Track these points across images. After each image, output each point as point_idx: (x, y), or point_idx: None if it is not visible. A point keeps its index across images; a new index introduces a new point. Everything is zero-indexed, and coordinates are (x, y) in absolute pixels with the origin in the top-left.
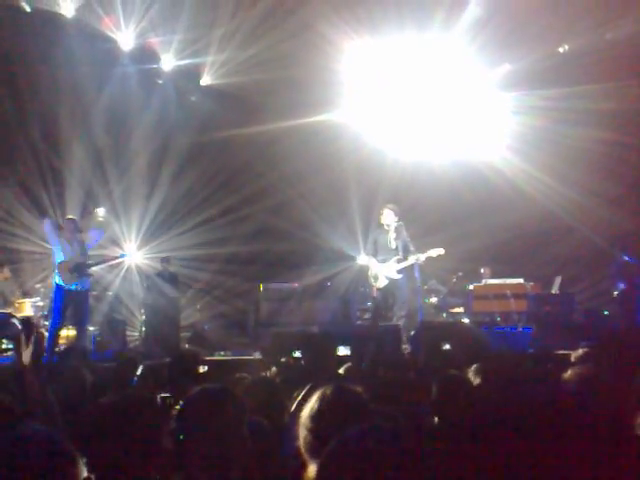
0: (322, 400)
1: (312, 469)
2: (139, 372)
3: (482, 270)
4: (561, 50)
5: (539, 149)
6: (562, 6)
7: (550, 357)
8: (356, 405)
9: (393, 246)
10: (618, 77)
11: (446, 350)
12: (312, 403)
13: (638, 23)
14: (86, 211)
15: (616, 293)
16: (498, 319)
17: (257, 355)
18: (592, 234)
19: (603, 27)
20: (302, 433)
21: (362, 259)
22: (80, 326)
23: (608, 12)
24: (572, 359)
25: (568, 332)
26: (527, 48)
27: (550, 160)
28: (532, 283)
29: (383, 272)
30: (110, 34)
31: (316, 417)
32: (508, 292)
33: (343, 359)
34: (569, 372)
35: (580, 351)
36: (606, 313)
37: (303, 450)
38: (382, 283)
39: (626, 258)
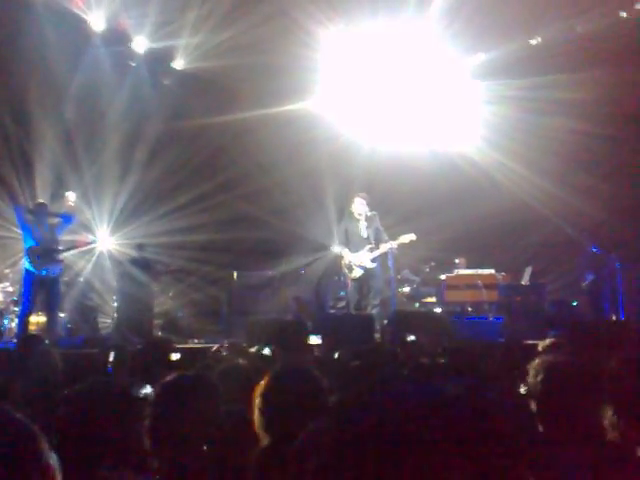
0: (272, 379)
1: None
2: (111, 359)
3: (457, 260)
4: (534, 42)
5: (512, 139)
6: None
7: (519, 347)
8: (309, 385)
9: (364, 235)
10: (588, 68)
11: (415, 339)
12: (263, 383)
13: (607, 16)
14: (57, 195)
15: (585, 284)
16: (469, 309)
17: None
18: (563, 224)
19: (574, 19)
20: (255, 412)
21: (336, 248)
22: (51, 312)
23: (579, 5)
24: (540, 349)
25: (538, 322)
26: (500, 38)
27: (522, 150)
28: (503, 273)
29: (357, 262)
30: (81, 14)
31: (266, 396)
32: (479, 282)
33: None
34: (536, 361)
35: (547, 341)
36: (575, 304)
37: (257, 428)
38: (357, 273)
39: (594, 249)
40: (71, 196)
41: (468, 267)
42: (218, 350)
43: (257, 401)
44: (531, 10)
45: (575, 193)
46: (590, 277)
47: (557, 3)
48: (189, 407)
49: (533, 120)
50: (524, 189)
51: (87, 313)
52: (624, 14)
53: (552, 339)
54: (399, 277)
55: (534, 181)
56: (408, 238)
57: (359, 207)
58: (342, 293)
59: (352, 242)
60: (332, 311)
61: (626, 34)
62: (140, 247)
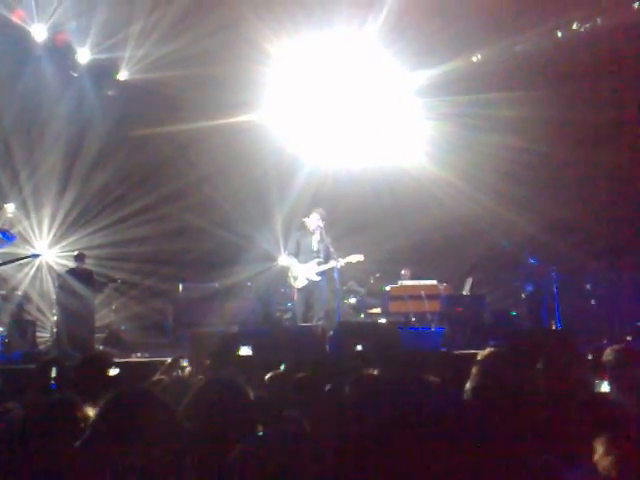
0: (195, 391)
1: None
2: (53, 374)
3: (403, 272)
4: (474, 59)
5: (452, 154)
6: (476, 17)
7: (459, 356)
8: (234, 398)
9: (315, 248)
10: (524, 87)
11: (361, 350)
12: (188, 397)
13: (545, 36)
14: None
15: (524, 295)
16: (413, 319)
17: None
18: (500, 237)
19: (513, 39)
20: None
21: (283, 260)
22: None
23: (517, 25)
24: (478, 358)
25: (478, 332)
26: (441, 56)
27: (462, 165)
28: (445, 284)
29: (303, 273)
30: (22, 24)
31: (190, 407)
32: (422, 293)
33: (246, 359)
34: (473, 369)
35: (486, 351)
36: (514, 314)
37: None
38: (301, 283)
39: (533, 261)
40: (9, 208)
41: (413, 278)
42: (173, 365)
43: (182, 413)
44: (471, 29)
45: (511, 207)
46: (530, 288)
47: (497, 23)
48: (135, 425)
49: (472, 136)
50: (463, 203)
51: (25, 327)
52: (560, 34)
53: (490, 349)
54: (345, 288)
55: (473, 195)
56: (356, 259)
57: (315, 222)
58: (288, 304)
59: (302, 253)
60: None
61: (562, 54)
62: (80, 258)
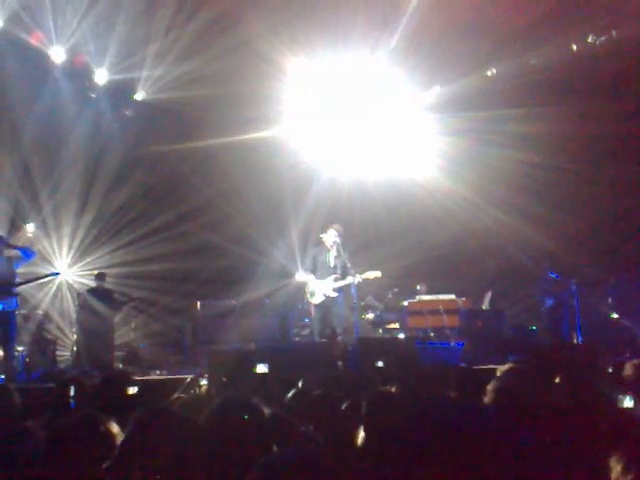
0: (211, 411)
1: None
2: (72, 393)
3: (418, 287)
4: (489, 74)
5: (465, 169)
6: (491, 31)
7: (478, 372)
8: (250, 416)
9: (332, 264)
10: (539, 102)
11: (380, 366)
12: (204, 416)
13: (559, 51)
14: (14, 227)
15: (544, 308)
16: (431, 334)
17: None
18: (516, 251)
19: (528, 54)
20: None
21: (300, 276)
22: (6, 347)
23: (533, 39)
24: (498, 374)
25: (498, 347)
26: (455, 73)
27: (476, 180)
28: (464, 299)
29: (320, 289)
30: (41, 47)
31: (209, 426)
32: (441, 308)
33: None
34: (490, 385)
35: (506, 366)
36: (534, 328)
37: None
38: (319, 299)
39: (552, 275)
40: (30, 227)
41: (428, 293)
42: (194, 382)
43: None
44: (486, 44)
45: (527, 221)
46: (549, 302)
47: (512, 37)
48: (159, 446)
49: (485, 151)
50: (478, 217)
51: (45, 346)
52: (575, 47)
53: (510, 365)
54: (362, 304)
55: (487, 209)
56: (373, 275)
57: (332, 238)
58: (306, 320)
59: (319, 269)
60: (296, 338)
61: (577, 68)
62: (101, 277)
